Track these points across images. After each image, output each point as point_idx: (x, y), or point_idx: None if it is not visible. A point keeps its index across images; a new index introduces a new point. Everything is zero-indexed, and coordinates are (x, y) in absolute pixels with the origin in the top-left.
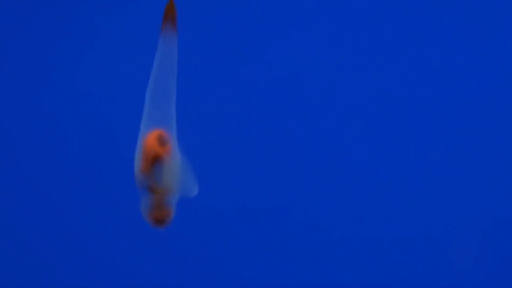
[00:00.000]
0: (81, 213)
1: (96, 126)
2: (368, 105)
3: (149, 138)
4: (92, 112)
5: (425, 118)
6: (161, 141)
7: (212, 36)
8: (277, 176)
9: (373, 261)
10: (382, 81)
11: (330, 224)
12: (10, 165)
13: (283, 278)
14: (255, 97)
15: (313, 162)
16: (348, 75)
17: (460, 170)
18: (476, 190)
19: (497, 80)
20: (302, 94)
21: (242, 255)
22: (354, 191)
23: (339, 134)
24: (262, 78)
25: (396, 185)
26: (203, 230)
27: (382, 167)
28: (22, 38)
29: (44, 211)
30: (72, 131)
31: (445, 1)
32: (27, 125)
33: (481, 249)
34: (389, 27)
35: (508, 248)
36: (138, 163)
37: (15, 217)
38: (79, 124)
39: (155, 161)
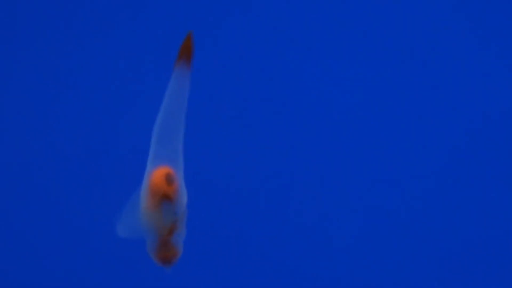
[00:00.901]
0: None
1: (102, 162)
2: (364, 109)
3: (156, 176)
4: (98, 147)
5: (419, 123)
6: (169, 179)
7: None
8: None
9: (371, 261)
10: (376, 84)
11: (329, 227)
12: None
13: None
14: (262, 136)
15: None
16: (346, 77)
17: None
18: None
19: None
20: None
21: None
22: (351, 191)
23: (334, 135)
24: (269, 116)
25: (395, 185)
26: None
27: (376, 169)
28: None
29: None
30: (80, 170)
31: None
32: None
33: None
34: (384, 29)
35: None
36: (145, 201)
37: None
38: (86, 162)
39: (162, 200)
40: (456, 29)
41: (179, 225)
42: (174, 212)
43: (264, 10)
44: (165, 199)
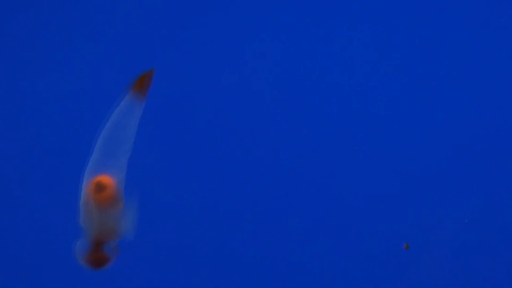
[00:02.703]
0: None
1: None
2: (359, 109)
3: (87, 184)
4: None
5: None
6: (98, 187)
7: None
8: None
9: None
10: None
11: (321, 231)
12: None
13: None
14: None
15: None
16: (340, 76)
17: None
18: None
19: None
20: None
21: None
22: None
23: (326, 136)
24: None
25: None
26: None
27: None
28: None
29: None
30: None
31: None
32: None
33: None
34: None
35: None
36: (82, 207)
37: None
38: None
39: (93, 207)
40: (451, 29)
41: (116, 233)
42: (108, 219)
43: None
44: (95, 205)
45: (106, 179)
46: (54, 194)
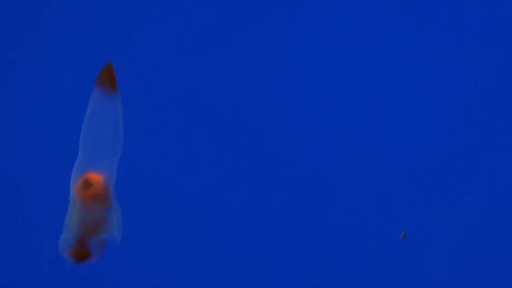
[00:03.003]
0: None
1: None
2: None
3: (75, 181)
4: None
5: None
6: (85, 184)
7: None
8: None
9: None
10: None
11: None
12: None
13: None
14: None
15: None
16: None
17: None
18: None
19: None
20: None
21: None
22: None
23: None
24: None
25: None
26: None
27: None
28: None
29: None
30: None
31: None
32: None
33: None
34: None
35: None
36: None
37: None
38: None
39: (77, 203)
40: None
41: (100, 231)
42: (94, 217)
43: None
44: (81, 202)
45: (94, 176)
46: (42, 193)
